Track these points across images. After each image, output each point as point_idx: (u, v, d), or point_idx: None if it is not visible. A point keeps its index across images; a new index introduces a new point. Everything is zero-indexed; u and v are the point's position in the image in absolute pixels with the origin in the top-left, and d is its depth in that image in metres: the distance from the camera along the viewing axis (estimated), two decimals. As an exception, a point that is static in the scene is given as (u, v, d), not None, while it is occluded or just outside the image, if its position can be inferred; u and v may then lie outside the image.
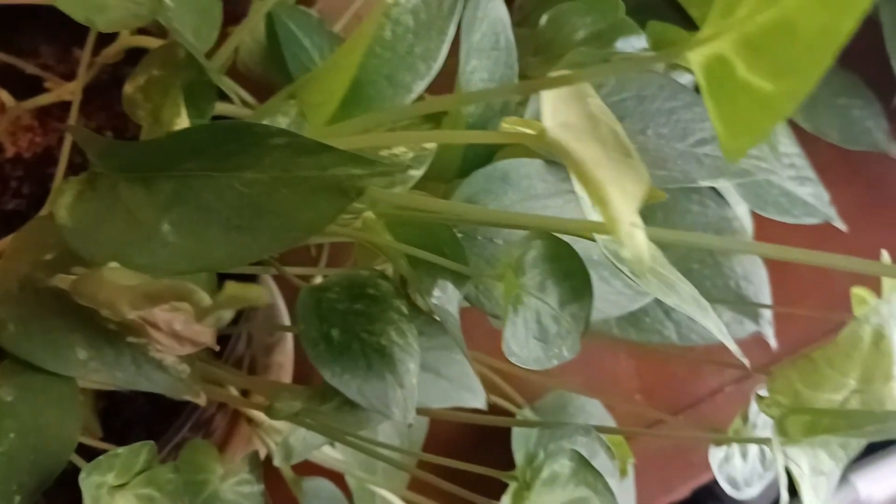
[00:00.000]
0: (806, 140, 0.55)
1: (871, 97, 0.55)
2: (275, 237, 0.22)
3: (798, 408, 0.25)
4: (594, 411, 0.50)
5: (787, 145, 0.45)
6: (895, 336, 0.28)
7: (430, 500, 0.39)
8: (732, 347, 0.25)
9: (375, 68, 0.24)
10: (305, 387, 0.31)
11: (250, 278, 0.36)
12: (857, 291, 0.32)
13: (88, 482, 0.24)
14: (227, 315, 0.23)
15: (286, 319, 0.48)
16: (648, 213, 0.43)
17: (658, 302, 0.42)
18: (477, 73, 0.32)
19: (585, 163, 0.17)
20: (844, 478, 0.72)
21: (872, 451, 0.74)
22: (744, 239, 0.42)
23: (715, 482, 0.72)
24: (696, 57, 0.16)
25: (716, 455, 0.31)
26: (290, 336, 0.50)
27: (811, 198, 0.45)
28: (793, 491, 0.28)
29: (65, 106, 0.46)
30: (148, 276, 0.22)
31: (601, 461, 0.29)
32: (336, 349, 0.30)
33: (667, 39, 0.38)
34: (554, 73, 0.18)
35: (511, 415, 0.48)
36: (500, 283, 0.24)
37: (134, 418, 0.39)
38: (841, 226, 0.46)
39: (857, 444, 0.27)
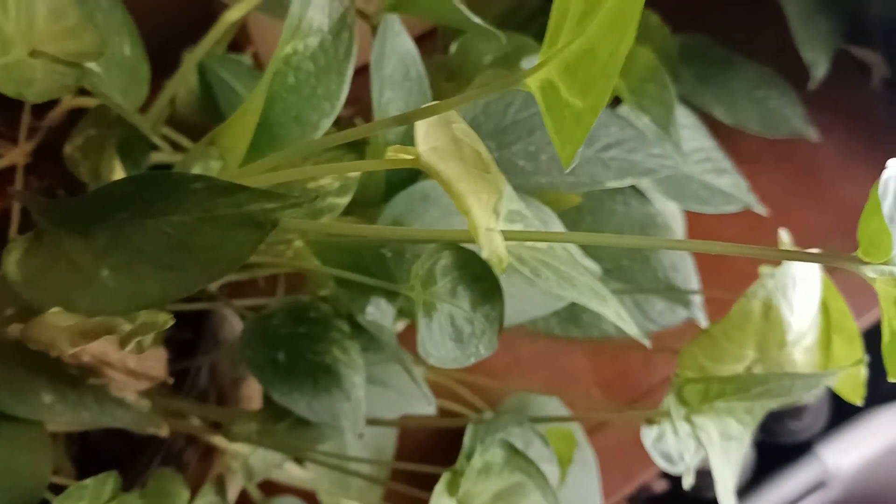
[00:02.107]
0: (731, 132, 0.58)
1: (786, 87, 0.58)
2: (203, 272, 0.24)
3: (690, 378, 0.28)
4: (553, 409, 0.52)
5: (702, 140, 0.48)
6: (787, 305, 0.30)
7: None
8: (631, 331, 0.27)
9: (284, 111, 0.26)
10: (259, 409, 0.33)
11: (203, 314, 0.38)
12: (763, 269, 0.35)
13: (58, 513, 0.27)
14: (147, 340, 0.25)
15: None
16: (578, 216, 0.46)
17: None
18: (393, 102, 0.35)
19: (450, 180, 0.20)
20: (811, 450, 0.75)
21: (837, 422, 0.77)
22: (667, 233, 0.44)
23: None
24: (534, 82, 0.19)
25: (648, 434, 0.33)
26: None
27: (730, 187, 0.48)
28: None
29: (10, 171, 0.49)
30: (83, 316, 0.25)
31: (537, 449, 0.32)
32: (283, 371, 0.32)
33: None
34: (427, 104, 0.21)
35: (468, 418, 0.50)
36: (414, 295, 0.26)
37: (108, 457, 0.41)
38: (761, 211, 0.49)
39: (762, 408, 0.29)
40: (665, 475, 0.78)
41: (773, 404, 0.28)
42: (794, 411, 0.75)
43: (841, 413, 0.78)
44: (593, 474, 0.51)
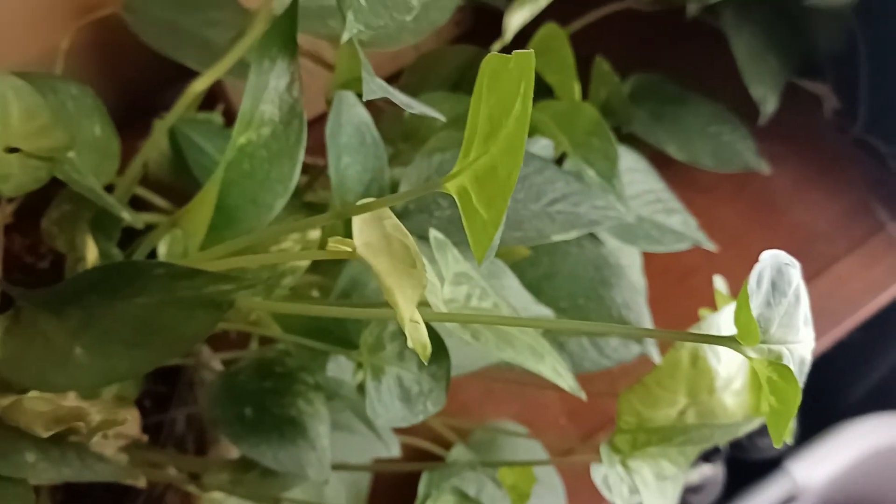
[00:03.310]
0: (686, 167, 0.61)
1: (737, 122, 0.60)
2: (167, 349, 0.27)
3: (635, 424, 0.30)
4: (521, 440, 0.54)
5: (652, 182, 0.50)
6: (714, 352, 0.33)
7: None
8: (565, 386, 0.29)
9: (241, 195, 0.29)
10: (230, 459, 0.35)
11: (175, 370, 0.41)
12: (702, 312, 0.38)
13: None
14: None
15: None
16: (536, 259, 0.48)
17: (551, 338, 0.47)
18: (351, 167, 0.38)
19: (380, 274, 0.22)
20: (780, 465, 0.77)
21: (806, 437, 0.80)
22: (620, 272, 0.47)
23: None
24: (452, 188, 0.21)
25: (597, 472, 0.36)
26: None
27: (680, 226, 0.50)
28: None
29: None
30: (58, 402, 0.27)
31: (490, 491, 0.34)
32: (250, 425, 0.34)
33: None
34: (360, 202, 0.23)
35: (441, 457, 0.53)
36: (364, 360, 0.28)
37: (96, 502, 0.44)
38: (710, 247, 0.52)
39: (694, 449, 0.32)
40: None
41: (704, 447, 0.31)
42: (763, 428, 0.78)
43: (810, 428, 0.80)
44: (560, 502, 0.53)
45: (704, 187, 0.64)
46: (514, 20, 0.49)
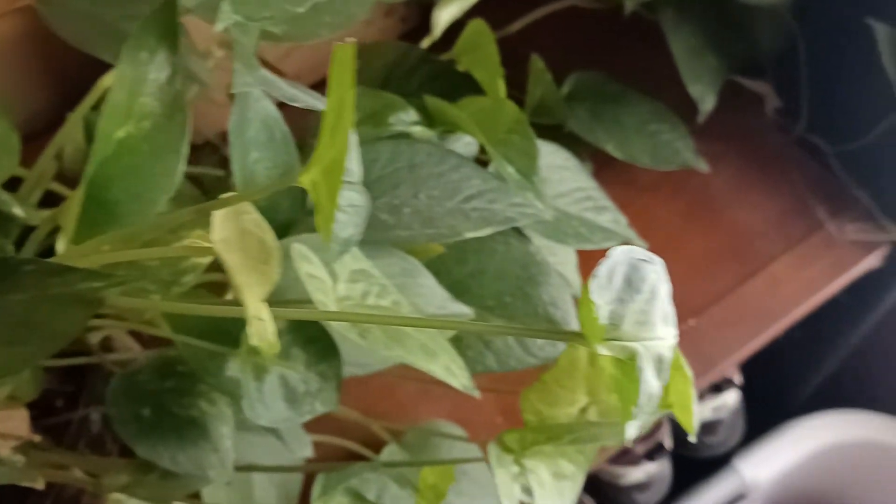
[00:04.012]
0: (627, 165, 0.61)
1: (676, 121, 0.60)
2: (41, 346, 0.26)
3: (536, 423, 0.30)
4: (456, 440, 0.54)
5: (582, 180, 0.50)
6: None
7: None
8: (458, 385, 0.29)
9: (122, 190, 0.28)
10: (129, 460, 0.35)
11: (79, 369, 0.40)
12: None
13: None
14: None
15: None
16: (463, 257, 0.48)
17: (476, 336, 0.47)
18: (261, 162, 0.37)
19: (231, 270, 0.22)
20: (729, 463, 0.77)
21: (754, 435, 0.80)
22: (547, 269, 0.46)
23: (609, 486, 0.76)
24: (304, 181, 0.21)
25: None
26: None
27: (610, 223, 0.50)
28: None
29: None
30: None
31: (393, 492, 0.34)
32: (147, 426, 0.34)
33: (440, 111, 0.43)
34: (223, 196, 0.23)
35: (374, 453, 0.52)
36: (248, 360, 0.28)
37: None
38: (641, 245, 0.52)
39: (593, 449, 0.31)
40: (589, 493, 0.81)
41: (600, 444, 0.30)
42: (709, 426, 0.78)
43: (757, 426, 0.80)
44: (492, 499, 0.53)
45: (646, 186, 0.64)
46: (443, 16, 0.49)
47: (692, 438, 0.34)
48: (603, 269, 0.21)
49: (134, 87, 0.27)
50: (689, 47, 0.60)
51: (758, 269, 0.62)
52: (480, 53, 0.47)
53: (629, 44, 0.66)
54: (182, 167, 0.28)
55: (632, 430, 0.22)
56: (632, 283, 0.21)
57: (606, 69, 0.62)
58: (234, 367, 0.33)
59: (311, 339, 0.28)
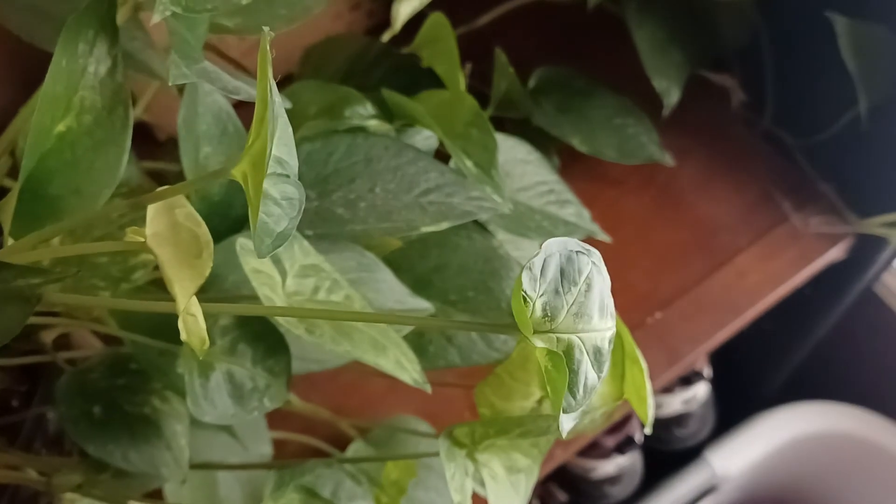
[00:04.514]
0: (597, 161, 0.61)
1: (641, 115, 0.61)
2: (-21, 344, 0.26)
3: (491, 416, 0.30)
4: (423, 435, 0.54)
5: (545, 174, 0.50)
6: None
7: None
8: (406, 379, 0.29)
9: (63, 184, 0.27)
10: (81, 459, 0.34)
11: (34, 367, 0.39)
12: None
13: None
14: None
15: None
16: (425, 251, 0.48)
17: (440, 332, 0.46)
18: (212, 157, 0.37)
19: (163, 264, 0.21)
20: (700, 456, 0.78)
21: (725, 427, 0.81)
22: (510, 263, 0.46)
23: (581, 480, 0.76)
24: (237, 174, 0.21)
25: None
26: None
27: (573, 217, 0.50)
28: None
29: None
30: None
31: (348, 488, 0.33)
32: (98, 424, 0.33)
33: (398, 104, 0.42)
34: (159, 189, 0.23)
35: (341, 450, 0.52)
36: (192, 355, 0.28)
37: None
38: (605, 238, 0.52)
39: (547, 442, 0.31)
40: (563, 489, 0.81)
41: (550, 437, 0.30)
42: (680, 419, 0.78)
43: (727, 418, 0.81)
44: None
45: (613, 180, 0.64)
46: (403, 9, 0.48)
47: (647, 430, 0.34)
48: (536, 261, 0.21)
49: (71, 80, 0.26)
50: (653, 41, 0.60)
51: (724, 261, 0.62)
52: (440, 46, 0.47)
53: (596, 38, 0.66)
54: (125, 161, 0.28)
55: (567, 423, 0.22)
56: (567, 275, 0.21)
57: (574, 63, 0.62)
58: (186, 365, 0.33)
59: (259, 335, 0.28)
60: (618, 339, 0.35)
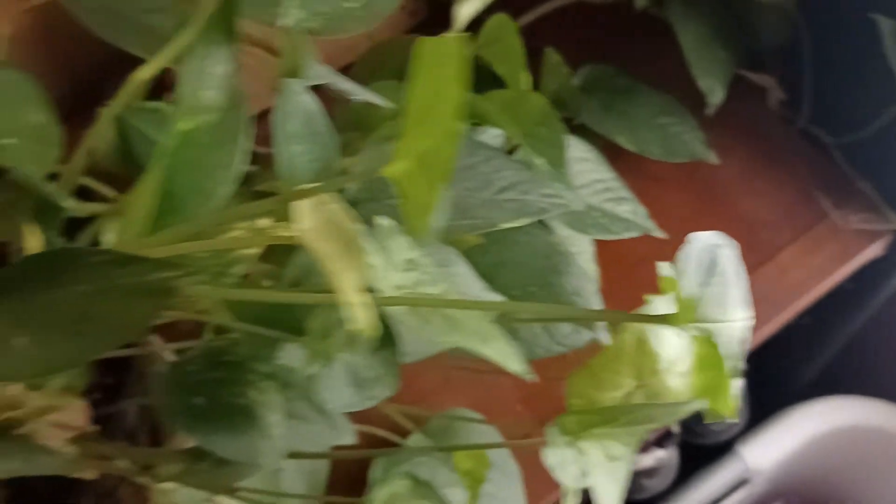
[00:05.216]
0: (637, 157, 0.62)
1: (685, 113, 0.62)
2: (108, 337, 0.27)
3: (583, 407, 0.31)
4: (478, 426, 0.55)
5: (602, 172, 0.51)
6: (658, 336, 0.33)
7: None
8: (513, 369, 0.30)
9: (183, 182, 0.28)
10: (182, 450, 0.35)
11: (125, 361, 0.40)
12: (647, 297, 0.38)
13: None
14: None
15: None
16: (484, 248, 0.48)
17: (506, 325, 0.47)
18: (300, 156, 0.37)
19: (324, 258, 0.22)
20: (732, 449, 0.79)
21: (757, 421, 0.82)
22: (570, 260, 0.47)
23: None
24: (389, 172, 0.21)
25: (549, 453, 0.36)
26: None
27: (629, 214, 0.51)
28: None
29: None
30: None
31: (444, 475, 0.34)
32: (201, 415, 0.34)
33: (468, 104, 0.43)
34: (303, 187, 0.23)
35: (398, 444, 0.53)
36: (313, 347, 0.28)
37: (40, 501, 0.43)
38: (660, 234, 0.53)
39: (642, 429, 0.32)
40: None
41: (652, 427, 0.31)
42: (715, 413, 0.79)
43: (760, 412, 0.82)
44: (517, 486, 0.53)
45: (655, 176, 0.65)
46: (464, 10, 0.49)
47: (712, 420, 0.34)
48: (685, 253, 0.22)
49: (199, 80, 0.27)
50: (697, 41, 0.61)
51: (766, 257, 0.63)
52: (502, 47, 0.47)
53: (635, 39, 0.67)
54: (240, 160, 0.29)
55: (730, 411, 0.22)
56: (709, 268, 0.22)
57: (615, 63, 0.63)
58: (289, 356, 0.34)
59: (371, 326, 0.29)
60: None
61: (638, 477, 0.75)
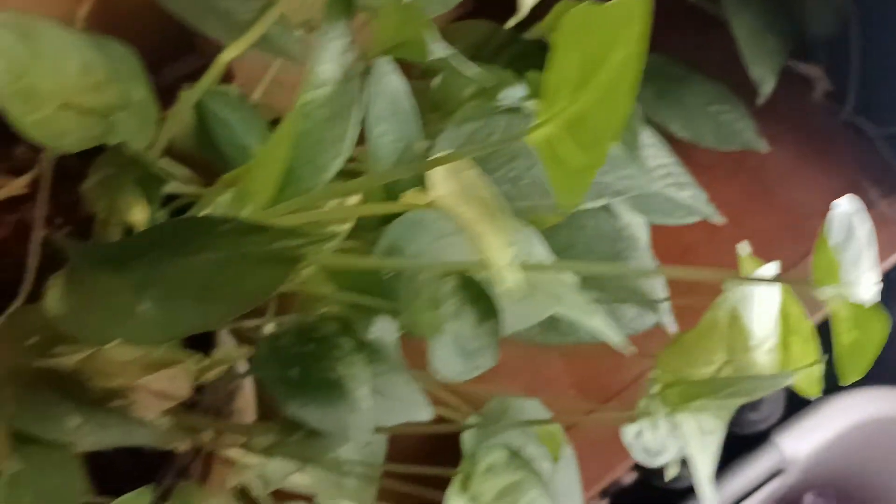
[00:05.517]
0: (687, 145, 0.62)
1: (736, 102, 0.62)
2: (234, 304, 0.27)
3: (671, 381, 0.31)
4: (533, 410, 0.55)
5: (664, 157, 0.51)
6: (750, 313, 0.34)
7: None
8: (616, 340, 0.30)
9: (299, 155, 0.29)
10: (275, 422, 0.36)
11: (207, 336, 0.41)
12: (728, 283, 0.39)
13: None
14: (213, 375, 0.27)
15: (242, 369, 0.52)
16: (553, 232, 0.49)
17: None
18: (387, 135, 0.38)
19: (468, 222, 0.23)
20: (769, 439, 0.79)
21: (793, 411, 0.82)
22: (634, 245, 0.48)
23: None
24: (534, 139, 0.22)
25: (629, 432, 0.37)
26: (248, 383, 0.54)
27: (690, 200, 0.51)
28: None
29: (9, 201, 0.50)
30: (142, 349, 0.27)
31: (531, 451, 0.35)
32: (295, 387, 0.35)
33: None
34: (441, 154, 0.24)
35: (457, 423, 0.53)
36: (422, 317, 0.29)
37: (120, 476, 0.43)
38: (719, 220, 0.53)
39: (733, 404, 0.33)
40: (635, 468, 0.82)
41: (742, 401, 0.32)
42: (754, 403, 0.80)
43: (796, 403, 0.82)
44: (574, 470, 0.54)
45: (703, 165, 0.65)
46: (530, -3, 0.49)
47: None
48: (833, 220, 0.23)
49: (321, 54, 0.27)
50: (750, 31, 0.61)
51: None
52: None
53: (684, 30, 0.68)
54: (352, 134, 0.29)
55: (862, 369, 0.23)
56: (847, 233, 0.23)
57: (666, 52, 0.64)
58: (381, 329, 0.35)
59: (477, 299, 0.29)
60: (783, 313, 0.37)
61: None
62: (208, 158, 0.44)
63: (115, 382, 0.30)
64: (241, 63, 0.55)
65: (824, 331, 0.65)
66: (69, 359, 0.30)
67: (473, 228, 0.23)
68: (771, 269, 0.33)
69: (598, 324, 0.30)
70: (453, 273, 0.29)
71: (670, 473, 0.32)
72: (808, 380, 0.34)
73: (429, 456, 0.58)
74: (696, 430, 0.32)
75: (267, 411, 0.53)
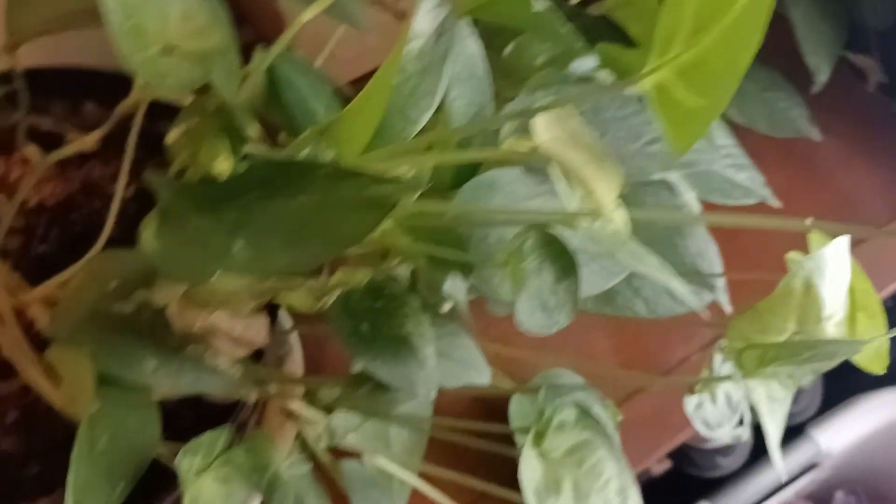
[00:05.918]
0: (740, 131, 0.62)
1: (791, 89, 0.62)
2: (325, 247, 0.28)
3: (751, 344, 0.32)
4: (580, 385, 0.56)
5: (723, 138, 0.51)
6: (823, 284, 0.34)
7: (443, 469, 0.44)
8: (693, 304, 0.31)
9: (391, 107, 0.29)
10: (342, 376, 0.36)
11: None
12: (791, 255, 0.39)
13: (182, 465, 0.30)
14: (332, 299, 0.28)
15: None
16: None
17: (626, 283, 0.48)
18: (458, 99, 0.38)
19: (575, 165, 0.23)
20: (804, 432, 0.79)
21: (830, 405, 0.82)
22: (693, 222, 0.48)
23: (692, 449, 0.78)
24: (646, 85, 0.22)
25: (690, 403, 0.37)
26: (297, 347, 0.55)
27: (748, 181, 0.51)
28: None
29: (78, 157, 0.51)
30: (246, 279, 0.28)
31: (597, 412, 0.35)
32: (366, 340, 0.35)
33: (612, 58, 0.44)
34: (543, 101, 0.24)
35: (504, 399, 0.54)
36: (504, 270, 0.29)
37: (182, 428, 0.44)
38: (775, 203, 0.53)
39: (802, 373, 0.33)
40: (668, 456, 0.82)
41: (815, 370, 0.32)
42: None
43: (833, 397, 0.82)
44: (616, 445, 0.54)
45: (754, 152, 0.65)
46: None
47: (881, 371, 0.35)
48: None
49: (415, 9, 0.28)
50: (807, 19, 0.61)
51: (864, 237, 0.63)
52: (637, 7, 0.48)
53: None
54: (442, 88, 0.30)
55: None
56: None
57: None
58: (452, 287, 0.35)
59: (557, 256, 0.30)
60: (850, 287, 0.37)
61: (713, 454, 0.75)
62: (275, 121, 0.44)
63: (195, 325, 0.31)
64: (302, 34, 0.56)
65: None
66: (164, 295, 0.30)
67: (579, 173, 0.23)
68: (844, 242, 0.33)
69: (678, 285, 0.30)
70: (533, 230, 0.30)
71: (744, 437, 0.32)
72: (873, 356, 0.34)
73: (471, 420, 0.59)
74: (765, 397, 0.32)
75: (315, 366, 0.54)
